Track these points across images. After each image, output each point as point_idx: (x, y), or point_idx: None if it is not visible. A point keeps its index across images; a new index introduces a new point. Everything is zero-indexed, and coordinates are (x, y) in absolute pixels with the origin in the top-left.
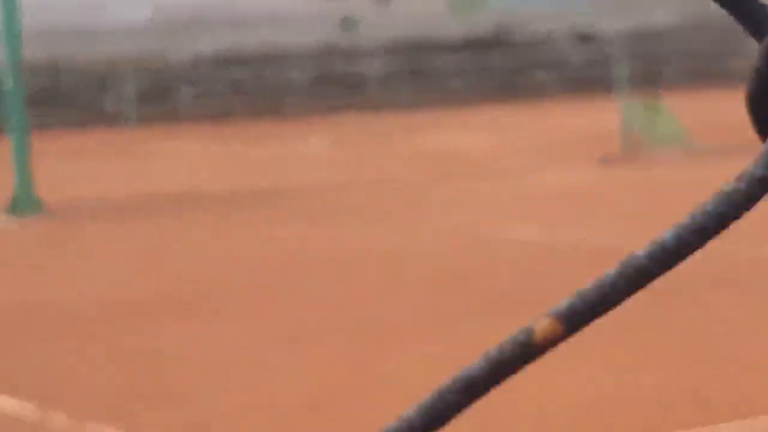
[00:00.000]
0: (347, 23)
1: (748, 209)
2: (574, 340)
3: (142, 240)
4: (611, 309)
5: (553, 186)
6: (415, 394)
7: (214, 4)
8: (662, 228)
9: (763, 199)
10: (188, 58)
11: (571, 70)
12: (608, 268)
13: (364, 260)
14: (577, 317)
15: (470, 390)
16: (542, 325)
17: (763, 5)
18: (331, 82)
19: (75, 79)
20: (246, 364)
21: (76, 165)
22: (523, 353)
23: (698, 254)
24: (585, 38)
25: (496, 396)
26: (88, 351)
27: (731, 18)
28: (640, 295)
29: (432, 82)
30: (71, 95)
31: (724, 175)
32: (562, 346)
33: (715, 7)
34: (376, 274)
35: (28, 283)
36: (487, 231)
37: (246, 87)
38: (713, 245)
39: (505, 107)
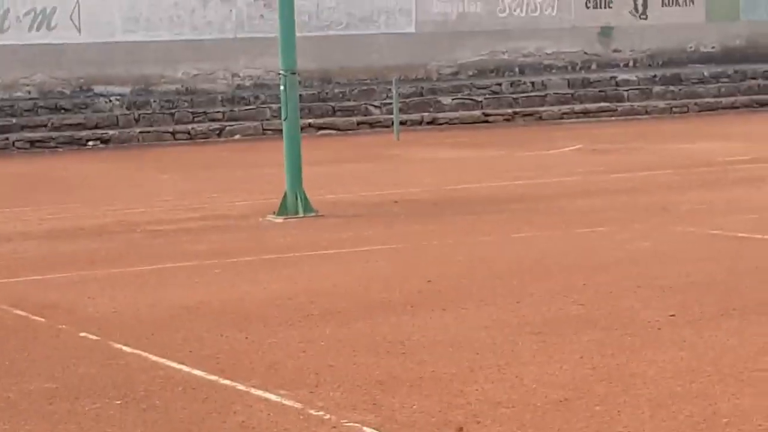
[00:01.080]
0: (605, 32)
1: None
2: None
3: (402, 239)
4: None
5: None
6: (663, 396)
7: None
8: None
9: None
10: (449, 67)
11: None
12: None
13: (613, 262)
14: None
15: None
16: None
17: None
18: (588, 90)
19: (343, 88)
20: (496, 355)
21: (341, 168)
22: None
23: None
24: None
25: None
26: (343, 342)
27: None
28: None
29: (686, 92)
30: (339, 102)
31: None
32: None
33: None
34: (627, 275)
35: (293, 276)
36: (742, 236)
37: (503, 95)
38: None
39: (757, 118)
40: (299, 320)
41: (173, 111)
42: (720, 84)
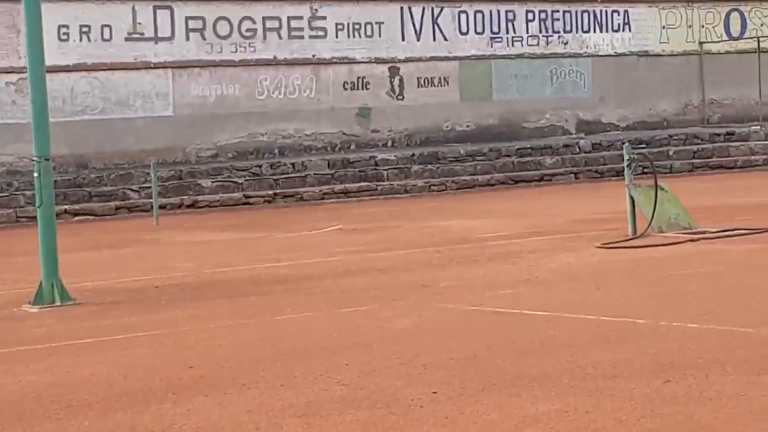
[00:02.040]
0: (363, 113)
1: None
2: None
3: (163, 325)
4: None
5: (562, 267)
6: None
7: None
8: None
9: None
10: (209, 149)
11: (579, 157)
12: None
13: (375, 340)
14: None
15: None
16: None
17: None
18: (348, 170)
19: (100, 172)
20: None
21: (99, 254)
22: None
23: None
24: (590, 125)
25: None
26: None
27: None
28: None
29: (444, 170)
30: (96, 187)
31: (722, 248)
32: None
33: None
34: (389, 353)
35: (50, 367)
36: (498, 311)
37: (264, 176)
38: None
39: (513, 194)
40: (57, 412)
41: None
42: (476, 162)
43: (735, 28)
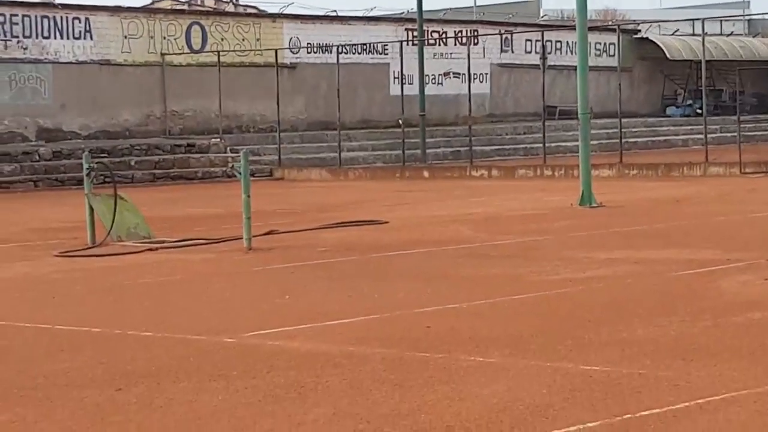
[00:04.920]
0: None
1: None
2: None
3: None
4: None
5: (18, 276)
6: None
7: None
8: None
9: None
10: None
11: (39, 165)
12: None
13: None
14: None
15: None
16: None
17: None
18: None
19: None
20: None
21: None
22: None
23: None
24: (50, 133)
25: None
26: None
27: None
28: None
29: None
30: None
31: (179, 258)
32: None
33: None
34: None
35: None
36: None
37: None
38: None
39: None
40: None
41: None
42: None
43: (196, 40)
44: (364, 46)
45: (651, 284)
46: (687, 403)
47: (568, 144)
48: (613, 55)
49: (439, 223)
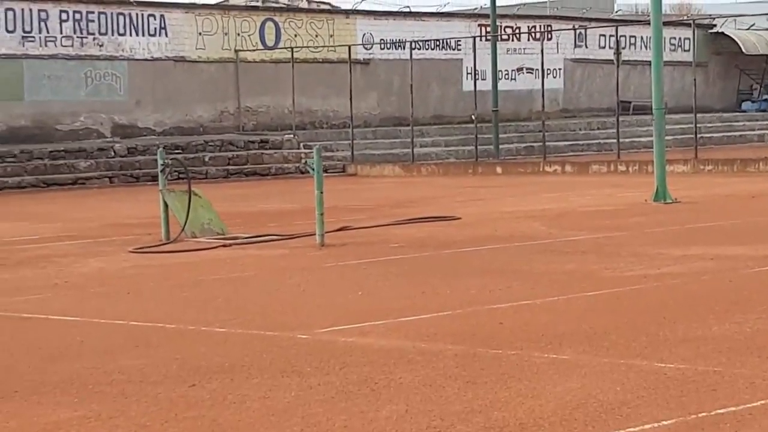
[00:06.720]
0: None
1: None
2: None
3: None
4: None
5: (93, 272)
6: None
7: None
8: None
9: None
10: None
11: (114, 161)
12: None
13: None
14: None
15: None
16: None
17: None
18: None
19: None
20: None
21: None
22: None
23: None
24: (125, 129)
25: None
26: None
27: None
28: None
29: None
30: None
31: (253, 254)
32: None
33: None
34: None
35: None
36: (25, 317)
37: None
38: None
39: (45, 197)
40: None
41: None
42: (6, 164)
43: (270, 37)
44: (437, 42)
45: (726, 281)
46: (763, 401)
47: (643, 139)
48: (688, 50)
49: (512, 219)
